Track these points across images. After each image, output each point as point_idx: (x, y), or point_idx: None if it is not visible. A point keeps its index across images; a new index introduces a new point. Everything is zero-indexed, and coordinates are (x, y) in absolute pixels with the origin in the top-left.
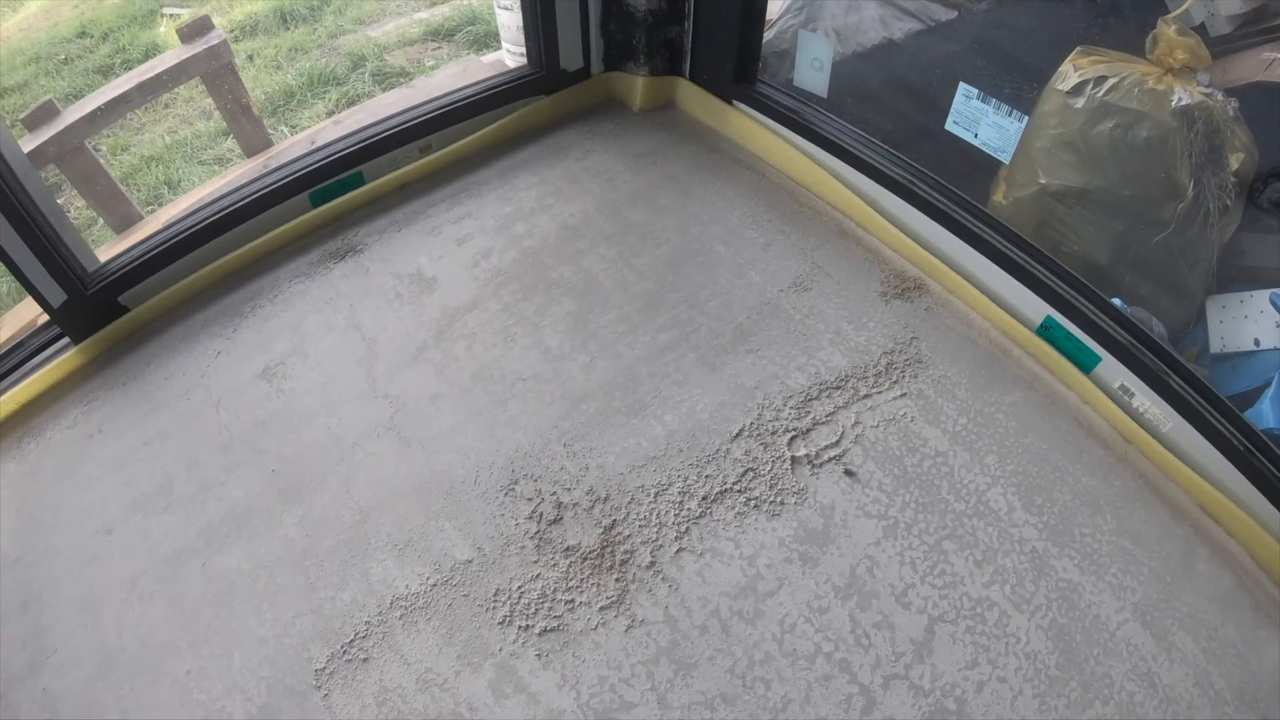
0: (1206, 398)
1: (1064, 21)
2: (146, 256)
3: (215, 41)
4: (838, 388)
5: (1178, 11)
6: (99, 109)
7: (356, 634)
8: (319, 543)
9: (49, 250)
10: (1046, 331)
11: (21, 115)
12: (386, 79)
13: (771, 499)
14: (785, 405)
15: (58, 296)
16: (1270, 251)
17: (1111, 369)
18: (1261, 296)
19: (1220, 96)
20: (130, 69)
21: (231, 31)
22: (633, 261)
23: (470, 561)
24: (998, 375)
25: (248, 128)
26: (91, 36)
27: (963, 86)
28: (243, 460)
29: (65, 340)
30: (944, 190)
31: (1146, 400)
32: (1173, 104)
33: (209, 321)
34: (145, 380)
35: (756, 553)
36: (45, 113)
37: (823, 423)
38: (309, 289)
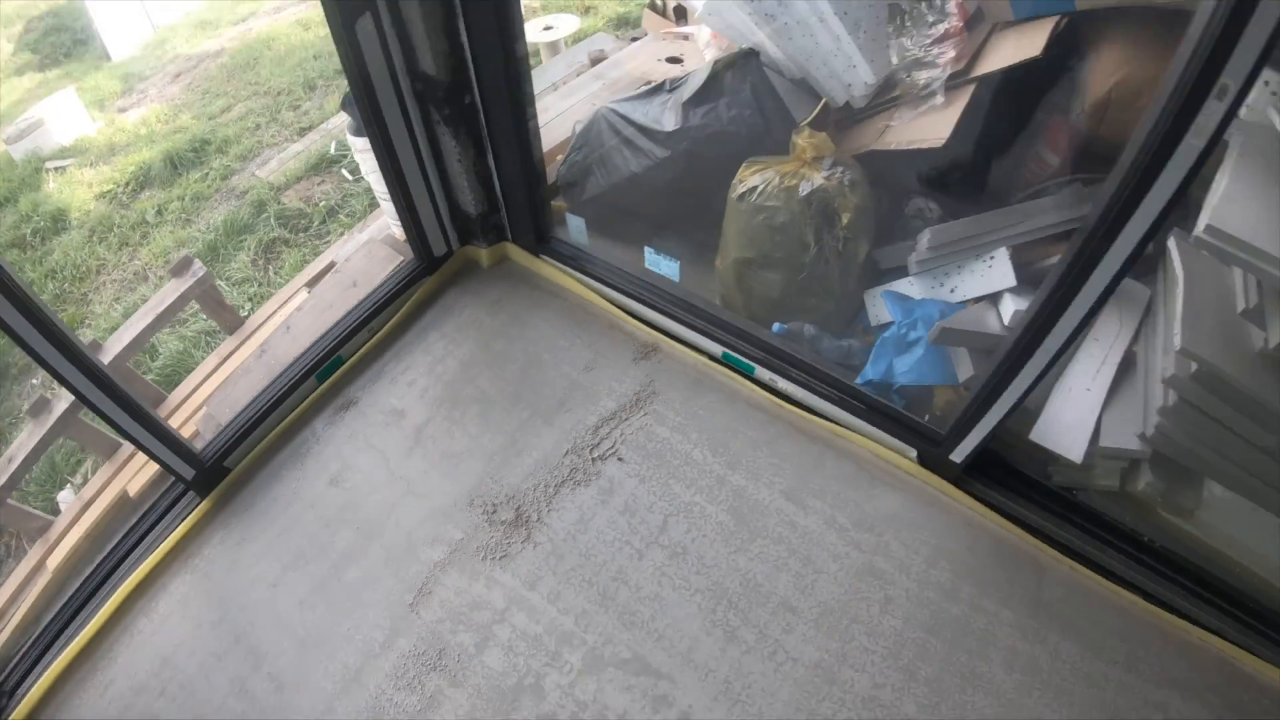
0: (813, 374)
1: (747, 144)
2: (234, 434)
3: (201, 273)
4: (611, 418)
5: (807, 120)
6: (136, 337)
7: (421, 585)
8: (390, 555)
9: (174, 441)
10: (727, 358)
11: None
12: (290, 220)
13: (585, 479)
14: (586, 434)
15: (189, 473)
16: (897, 254)
17: (762, 372)
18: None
19: (839, 173)
20: (42, 236)
21: (128, 185)
22: (501, 375)
23: (462, 538)
24: (700, 390)
25: (225, 316)
26: None
27: (648, 250)
28: (337, 528)
29: (194, 496)
30: (660, 291)
31: (785, 383)
32: (800, 194)
33: (283, 463)
34: (259, 506)
35: (583, 504)
36: (94, 347)
37: (605, 438)
38: (337, 431)
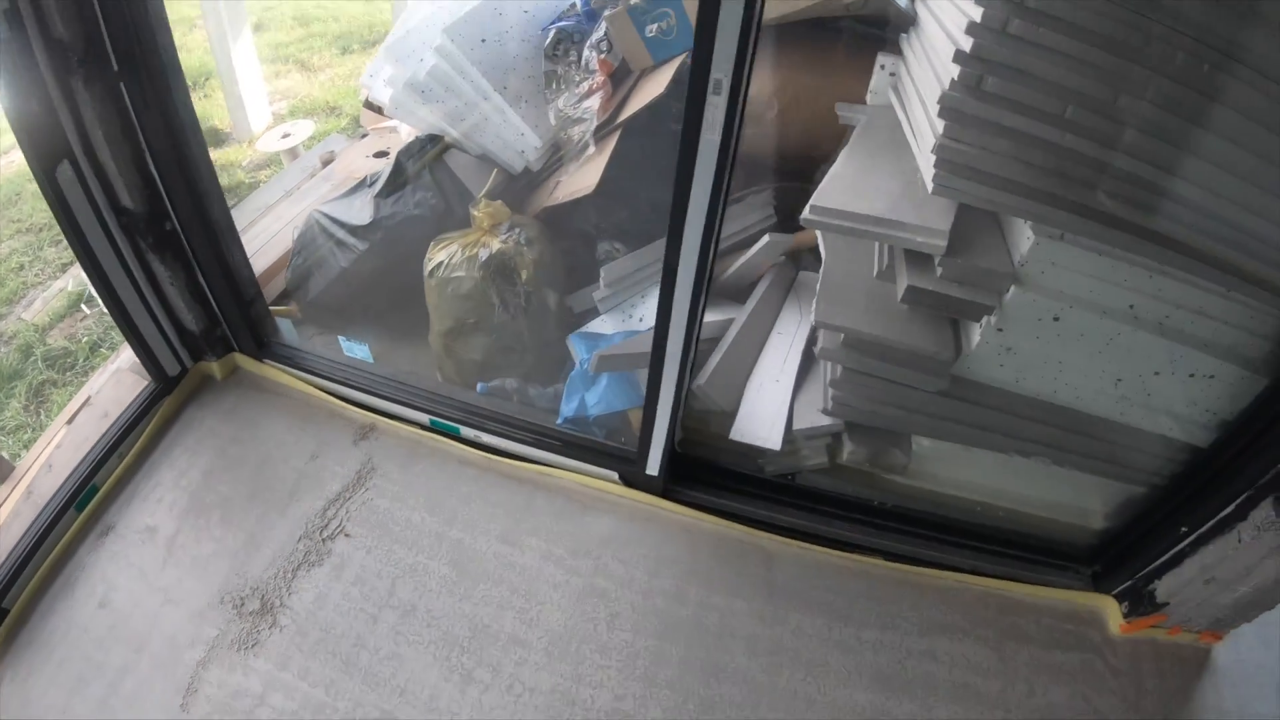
0: (510, 423)
1: (434, 225)
2: (7, 575)
3: None
4: (336, 499)
5: (483, 191)
6: None
7: (188, 685)
8: (158, 662)
9: None
10: (434, 424)
11: None
12: (56, 360)
13: (318, 559)
14: (315, 518)
15: None
16: (588, 298)
17: (467, 430)
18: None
19: (516, 234)
20: None
21: None
22: (238, 477)
23: (217, 635)
24: (415, 458)
25: None
26: None
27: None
28: (110, 647)
29: None
30: (368, 375)
31: (488, 436)
32: (479, 260)
33: (56, 594)
34: (40, 639)
35: (318, 582)
36: None
37: (332, 519)
38: (99, 556)
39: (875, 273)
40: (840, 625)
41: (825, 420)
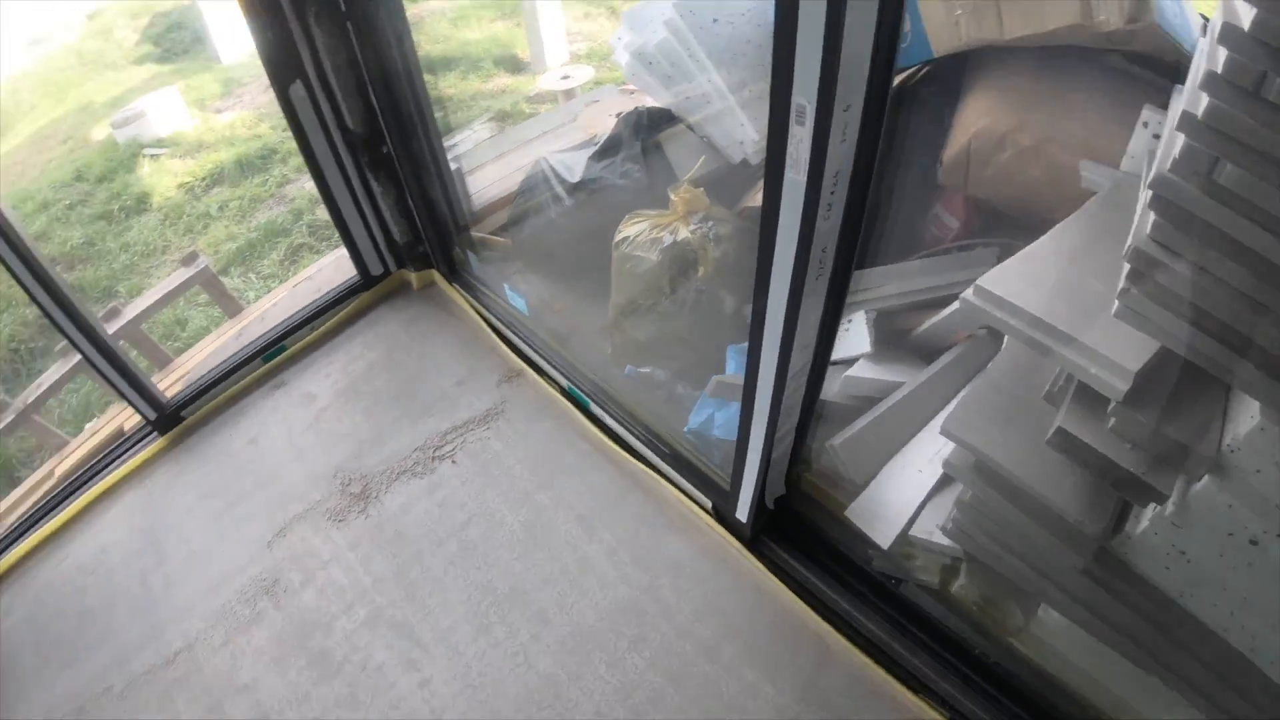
0: (630, 414)
1: (633, 196)
2: (193, 393)
3: (203, 265)
4: (460, 427)
5: (687, 177)
6: (145, 309)
7: (280, 529)
8: (269, 502)
9: (144, 389)
10: (571, 393)
11: (101, 314)
12: (319, 229)
13: (421, 472)
14: (436, 437)
15: (152, 415)
16: None
17: (595, 408)
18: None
19: (707, 226)
20: (126, 213)
21: (204, 180)
22: (393, 379)
23: (319, 499)
24: (542, 415)
25: (227, 302)
26: (87, 180)
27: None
28: (242, 476)
29: (155, 434)
30: (525, 327)
31: (609, 419)
32: (663, 244)
33: (224, 421)
34: (199, 449)
35: (412, 492)
36: (114, 312)
37: (449, 443)
38: (265, 403)
39: (1044, 394)
40: None
41: (944, 539)
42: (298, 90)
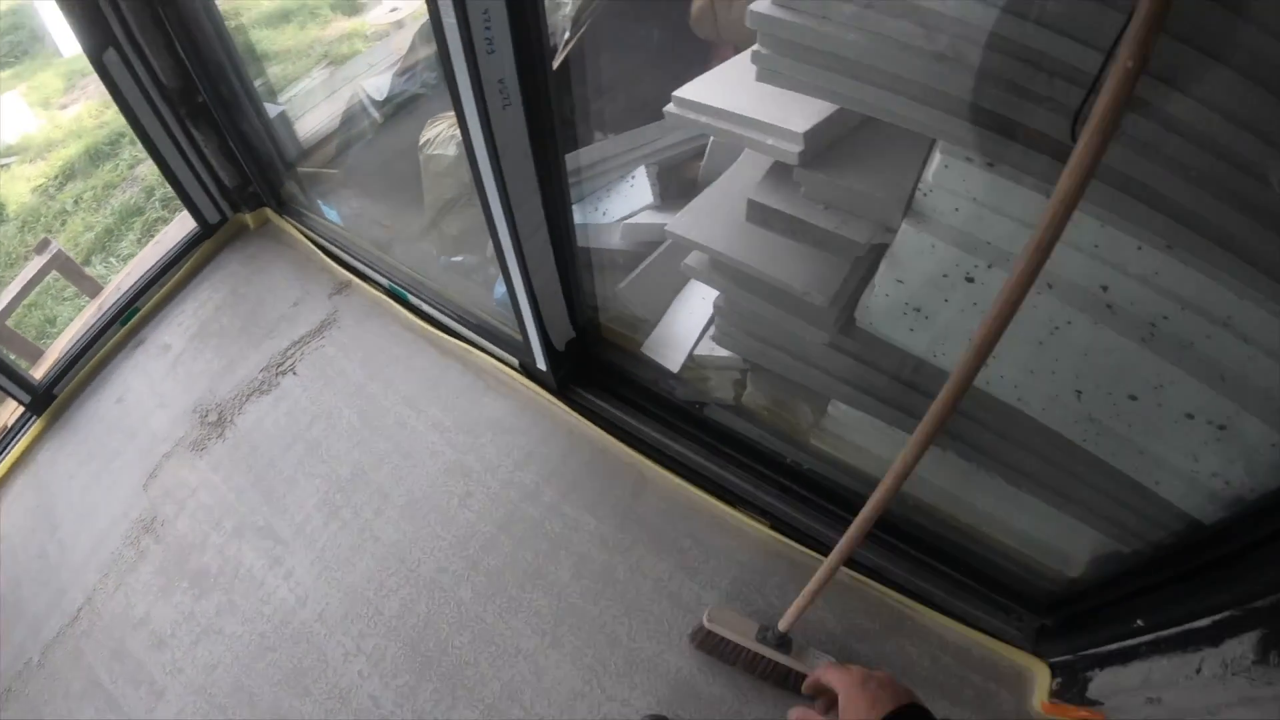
0: (440, 296)
1: (437, 103)
2: (60, 369)
3: (55, 250)
4: (299, 341)
5: None
6: (7, 305)
7: (152, 471)
8: (140, 450)
9: (14, 374)
10: (393, 290)
11: None
12: (171, 201)
13: (267, 389)
14: (278, 355)
15: (26, 398)
16: None
17: (414, 299)
18: None
19: None
20: None
21: (56, 178)
22: (237, 312)
23: (182, 435)
24: (370, 317)
25: (85, 283)
26: None
27: (320, 203)
28: (114, 433)
29: (34, 417)
30: (350, 240)
31: (426, 306)
32: (458, 138)
33: (94, 389)
34: (75, 420)
35: (261, 408)
36: None
37: (289, 357)
38: (127, 362)
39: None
40: (684, 577)
41: (724, 351)
42: (111, 57)
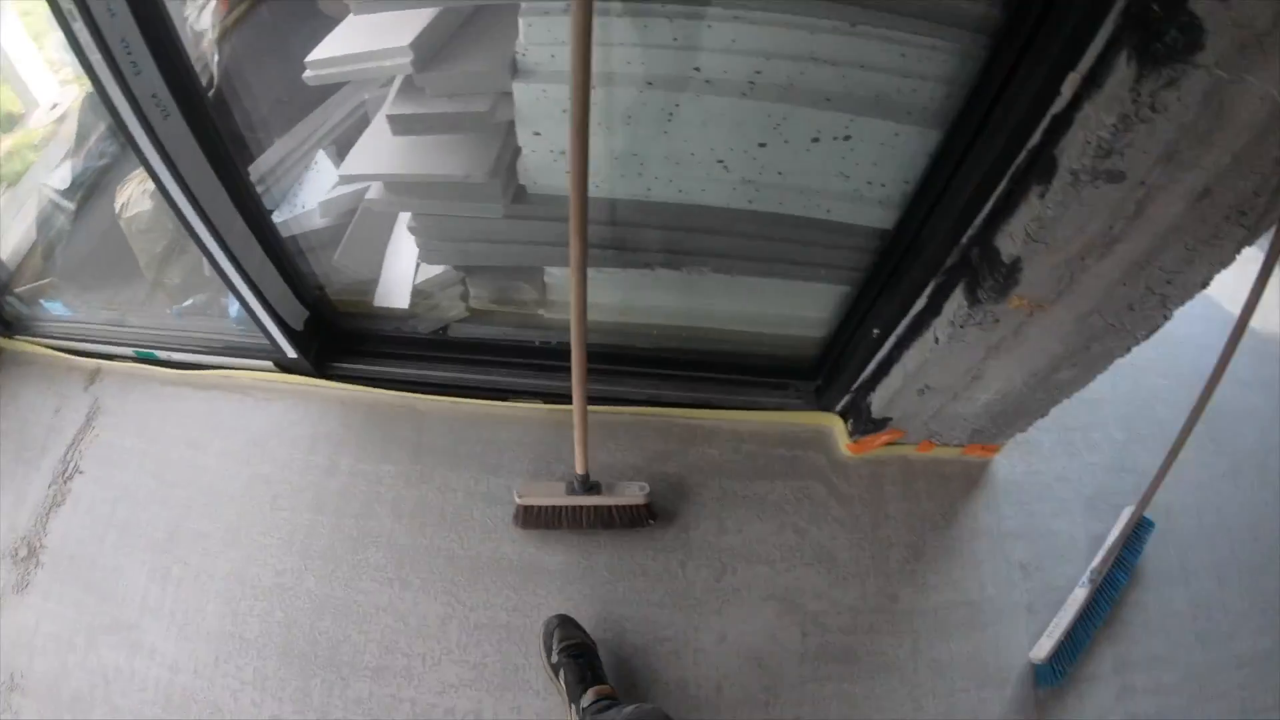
0: (183, 338)
1: (122, 166)
2: None
3: None
4: (73, 443)
5: None
6: None
7: None
8: None
9: None
10: (140, 354)
11: None
12: None
13: (62, 500)
14: (58, 463)
15: None
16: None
17: (163, 354)
18: None
19: None
20: None
21: None
22: (3, 449)
23: (2, 585)
24: (130, 389)
25: None
26: None
27: (42, 301)
28: None
29: None
30: (86, 326)
31: (177, 355)
32: (151, 190)
33: None
34: None
35: (64, 520)
36: None
37: (71, 461)
38: None
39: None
40: (489, 477)
41: (436, 269)
42: None
